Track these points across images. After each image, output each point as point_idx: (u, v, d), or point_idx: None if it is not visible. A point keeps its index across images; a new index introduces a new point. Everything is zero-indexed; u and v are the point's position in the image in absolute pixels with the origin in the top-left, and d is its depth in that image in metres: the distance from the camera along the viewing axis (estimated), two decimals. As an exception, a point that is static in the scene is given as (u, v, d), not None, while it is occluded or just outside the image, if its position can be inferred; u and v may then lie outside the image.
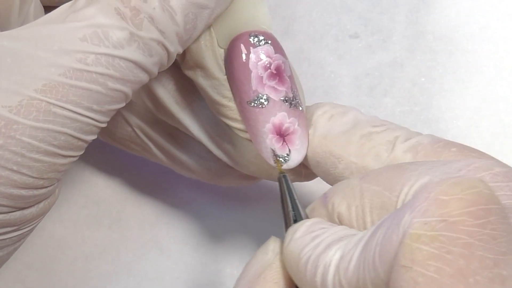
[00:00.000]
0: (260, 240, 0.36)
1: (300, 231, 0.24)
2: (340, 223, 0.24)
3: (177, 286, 0.36)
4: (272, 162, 0.28)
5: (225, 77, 0.28)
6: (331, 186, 0.26)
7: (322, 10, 0.39)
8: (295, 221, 0.26)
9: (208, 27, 0.27)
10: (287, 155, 0.28)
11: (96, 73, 0.24)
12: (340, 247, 0.22)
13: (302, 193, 0.36)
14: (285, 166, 0.28)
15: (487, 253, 0.18)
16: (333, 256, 0.22)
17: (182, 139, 0.32)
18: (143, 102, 0.31)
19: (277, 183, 0.27)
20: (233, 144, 0.30)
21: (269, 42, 0.28)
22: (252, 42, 0.28)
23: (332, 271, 0.21)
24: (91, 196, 0.37)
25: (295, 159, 0.28)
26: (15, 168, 0.24)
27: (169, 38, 0.25)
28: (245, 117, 0.28)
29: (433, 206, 0.19)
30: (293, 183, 0.27)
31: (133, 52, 0.25)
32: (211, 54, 0.28)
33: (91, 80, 0.24)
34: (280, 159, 0.28)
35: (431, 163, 0.23)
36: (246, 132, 0.28)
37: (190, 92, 0.30)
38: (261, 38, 0.28)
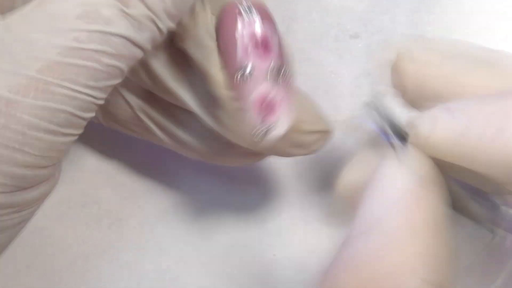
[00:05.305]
0: (260, 240, 0.36)
1: (442, 116, 0.22)
2: None
3: (177, 286, 0.35)
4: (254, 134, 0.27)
5: (215, 44, 0.28)
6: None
7: (322, 10, 0.39)
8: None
9: None
10: (268, 129, 0.27)
11: (90, 50, 0.24)
12: None
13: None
14: (265, 141, 0.27)
15: None
16: None
17: (182, 118, 0.32)
18: (141, 80, 0.31)
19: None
20: (228, 115, 0.29)
21: (258, 12, 0.28)
22: (241, 11, 0.28)
23: None
24: (91, 196, 0.37)
25: (275, 134, 0.27)
26: (17, 146, 0.24)
27: (158, 15, 0.25)
28: (232, 87, 0.28)
29: None
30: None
31: (124, 28, 0.25)
32: (202, 21, 0.28)
33: (86, 57, 0.24)
34: (261, 132, 0.27)
35: None
36: (235, 102, 0.28)
37: (186, 65, 0.30)
38: (251, 8, 0.28)
